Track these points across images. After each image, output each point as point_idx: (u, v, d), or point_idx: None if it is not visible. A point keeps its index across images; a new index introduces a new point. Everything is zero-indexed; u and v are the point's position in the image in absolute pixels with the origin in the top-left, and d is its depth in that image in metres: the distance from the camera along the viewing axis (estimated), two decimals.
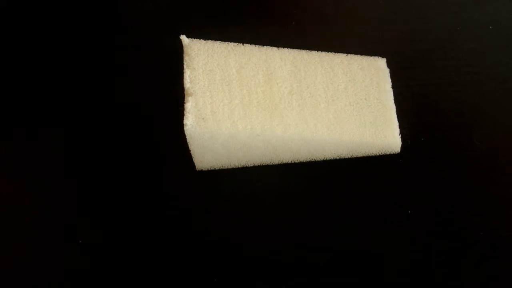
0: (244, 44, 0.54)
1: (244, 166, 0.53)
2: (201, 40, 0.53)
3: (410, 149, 0.54)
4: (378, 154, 0.53)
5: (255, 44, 0.54)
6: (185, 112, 0.49)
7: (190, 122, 0.49)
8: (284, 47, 0.54)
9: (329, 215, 0.51)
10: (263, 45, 0.54)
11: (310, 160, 0.53)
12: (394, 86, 0.55)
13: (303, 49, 0.55)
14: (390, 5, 0.63)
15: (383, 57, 0.56)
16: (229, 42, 0.53)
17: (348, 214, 0.51)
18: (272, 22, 0.62)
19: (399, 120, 0.53)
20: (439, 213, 0.51)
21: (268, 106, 0.51)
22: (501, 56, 0.59)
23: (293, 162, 0.53)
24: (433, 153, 0.54)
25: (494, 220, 0.50)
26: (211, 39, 0.53)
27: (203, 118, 0.49)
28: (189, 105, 0.49)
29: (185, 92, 0.50)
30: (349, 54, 0.55)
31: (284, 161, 0.53)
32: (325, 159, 0.53)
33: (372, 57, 0.56)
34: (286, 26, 0.62)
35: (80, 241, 0.50)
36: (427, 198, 0.51)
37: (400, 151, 0.53)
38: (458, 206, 0.51)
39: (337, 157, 0.53)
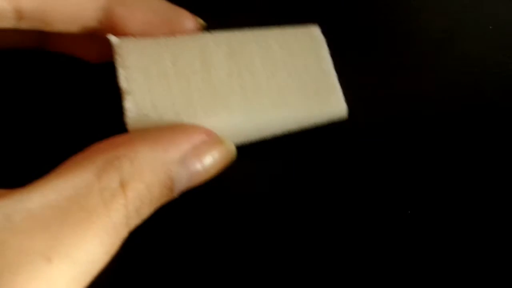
0: (176, 35, 0.52)
1: None
2: (131, 37, 0.52)
3: (410, 149, 0.54)
4: (326, 122, 0.51)
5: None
6: (125, 111, 0.48)
7: (132, 121, 0.48)
8: None
9: (329, 215, 0.51)
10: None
11: (258, 139, 0.52)
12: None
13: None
14: (390, 5, 0.63)
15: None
16: (160, 37, 0.52)
17: (348, 214, 0.51)
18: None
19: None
20: (439, 213, 0.51)
21: (209, 92, 0.50)
22: (501, 56, 0.59)
23: (243, 145, 0.51)
24: (433, 153, 0.54)
25: (494, 220, 0.50)
26: None
27: (144, 114, 0.48)
28: (128, 103, 0.49)
29: (123, 91, 0.49)
30: (282, 27, 0.53)
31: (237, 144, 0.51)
32: (275, 136, 0.52)
33: (306, 26, 0.54)
34: None
35: None
36: (427, 198, 0.52)
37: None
38: (458, 206, 0.51)
39: (287, 132, 0.52)
